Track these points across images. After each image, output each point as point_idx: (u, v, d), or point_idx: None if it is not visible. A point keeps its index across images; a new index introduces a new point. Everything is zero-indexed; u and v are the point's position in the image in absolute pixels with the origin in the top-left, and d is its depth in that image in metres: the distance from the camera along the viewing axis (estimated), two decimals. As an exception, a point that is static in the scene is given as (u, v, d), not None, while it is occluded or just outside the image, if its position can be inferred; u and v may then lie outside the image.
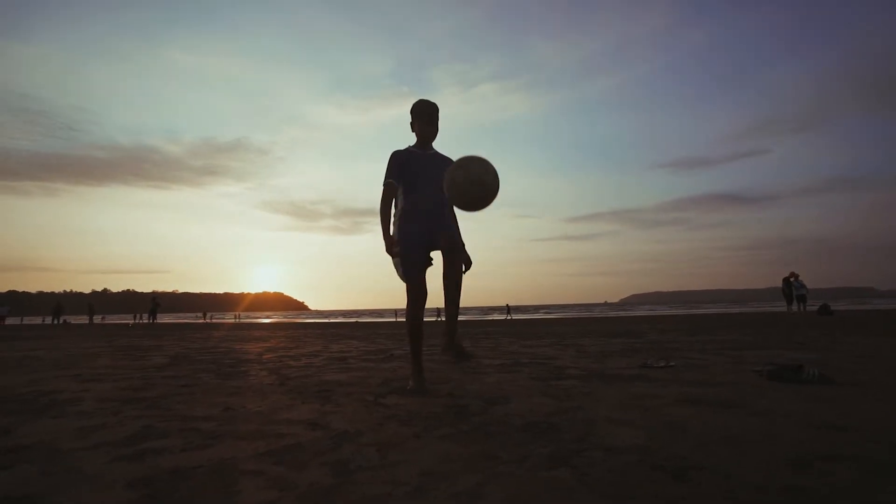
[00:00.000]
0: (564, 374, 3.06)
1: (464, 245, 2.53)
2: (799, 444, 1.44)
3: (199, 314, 52.40)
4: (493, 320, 23.28)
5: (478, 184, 2.14)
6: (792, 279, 15.10)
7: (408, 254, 2.41)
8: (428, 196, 2.50)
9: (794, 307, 15.07)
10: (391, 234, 2.48)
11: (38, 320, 45.44)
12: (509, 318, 28.67)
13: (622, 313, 35.96)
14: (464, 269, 2.48)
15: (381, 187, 2.48)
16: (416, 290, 2.44)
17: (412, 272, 2.43)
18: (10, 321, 33.49)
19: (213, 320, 41.40)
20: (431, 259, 2.51)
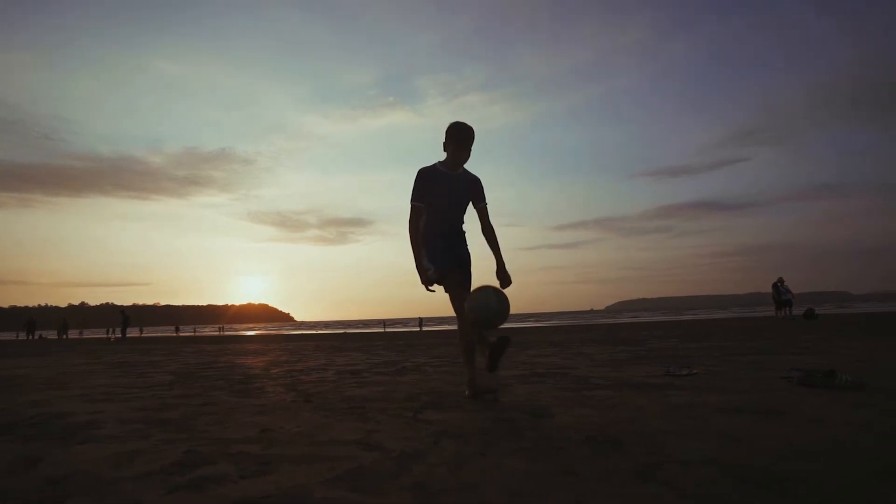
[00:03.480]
0: (590, 384, 3.02)
1: (504, 273, 2.60)
2: (874, 454, 1.42)
3: (173, 328, 50.97)
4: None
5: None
6: (779, 284, 15.40)
7: (440, 263, 2.53)
8: (448, 218, 2.59)
9: (782, 312, 15.35)
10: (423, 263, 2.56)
11: (11, 336, 43.81)
12: None
13: (611, 320, 36.25)
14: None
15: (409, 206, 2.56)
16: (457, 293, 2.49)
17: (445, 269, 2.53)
18: (-18, 338, 32.25)
19: (197, 332, 40.41)
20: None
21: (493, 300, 2.30)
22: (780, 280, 15.51)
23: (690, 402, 2.30)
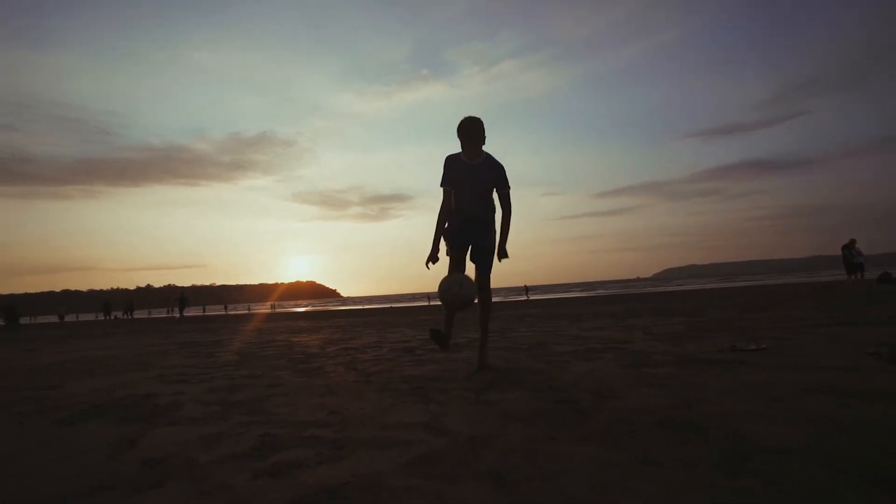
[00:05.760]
0: (651, 360, 2.92)
1: (500, 250, 2.87)
2: None
3: (223, 307, 55.62)
4: (518, 301, 23.12)
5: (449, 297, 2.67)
6: (850, 246, 14.28)
7: (450, 246, 2.86)
8: (466, 204, 2.85)
9: (855, 276, 14.27)
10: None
11: (91, 317, 48.19)
12: (527, 298, 28.43)
13: (661, 289, 35.09)
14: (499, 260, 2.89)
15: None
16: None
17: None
18: (68, 318, 35.69)
19: (252, 310, 42.64)
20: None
21: (456, 289, 2.66)
22: (852, 242, 14.36)
23: (767, 380, 2.17)
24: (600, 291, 39.58)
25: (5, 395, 2.92)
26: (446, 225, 2.89)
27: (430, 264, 2.86)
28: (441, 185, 2.88)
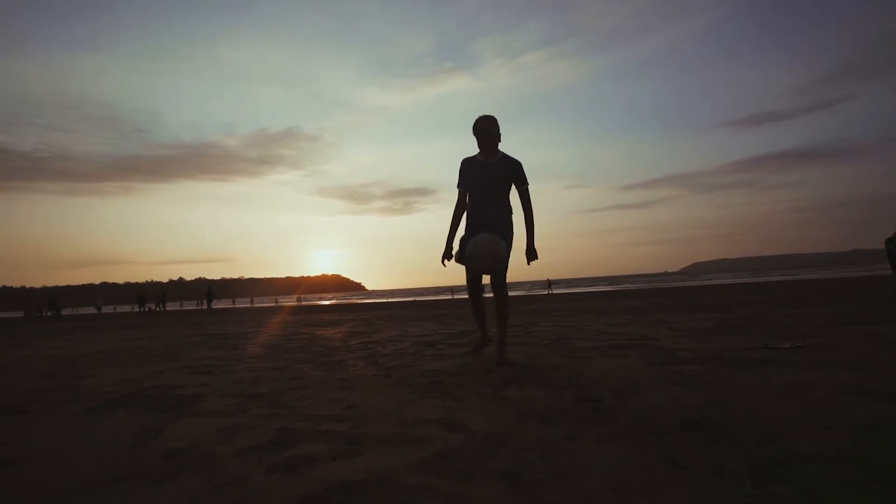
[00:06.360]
0: (678, 357, 2.83)
1: (529, 250, 2.91)
2: None
3: (249, 300, 58.73)
4: (541, 295, 22.86)
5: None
6: (894, 239, 13.56)
7: (463, 250, 2.87)
8: (481, 206, 2.90)
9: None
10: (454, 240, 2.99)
11: (127, 308, 50.27)
12: (550, 292, 28.00)
13: (689, 283, 34.18)
14: (528, 263, 2.94)
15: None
16: (471, 282, 2.99)
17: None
18: (105, 310, 37.33)
19: (279, 303, 43.63)
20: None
21: (490, 261, 2.68)
22: (896, 234, 13.63)
23: (801, 381, 2.07)
24: (626, 286, 38.82)
25: (45, 382, 3.05)
26: (463, 229, 2.97)
27: (446, 261, 2.97)
28: (457, 187, 3.00)
